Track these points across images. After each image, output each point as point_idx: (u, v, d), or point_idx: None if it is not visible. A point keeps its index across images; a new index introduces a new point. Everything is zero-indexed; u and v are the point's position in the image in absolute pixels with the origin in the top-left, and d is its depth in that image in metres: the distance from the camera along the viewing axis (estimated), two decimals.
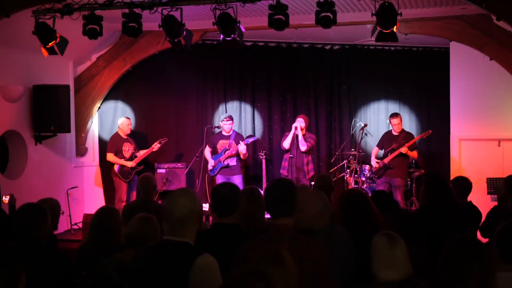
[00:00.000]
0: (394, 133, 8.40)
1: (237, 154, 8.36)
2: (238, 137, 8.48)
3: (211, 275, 2.65)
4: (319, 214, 3.50)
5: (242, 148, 8.24)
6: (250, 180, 9.39)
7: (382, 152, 8.60)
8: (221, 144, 8.48)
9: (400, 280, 2.69)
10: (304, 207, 3.44)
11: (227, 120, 8.46)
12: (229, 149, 8.34)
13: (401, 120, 8.38)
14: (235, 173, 8.41)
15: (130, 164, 8.48)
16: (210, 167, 8.48)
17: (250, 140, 8.42)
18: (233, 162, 8.41)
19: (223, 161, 8.38)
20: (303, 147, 8.25)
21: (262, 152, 8.67)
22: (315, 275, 2.93)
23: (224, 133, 8.53)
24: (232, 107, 9.77)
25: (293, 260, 2.50)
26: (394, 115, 8.49)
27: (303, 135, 8.31)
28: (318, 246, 3.01)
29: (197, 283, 2.61)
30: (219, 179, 8.37)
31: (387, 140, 8.47)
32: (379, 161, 8.36)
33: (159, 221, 3.56)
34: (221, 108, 9.74)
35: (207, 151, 8.63)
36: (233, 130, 8.62)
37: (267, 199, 3.24)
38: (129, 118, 8.72)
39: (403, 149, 8.10)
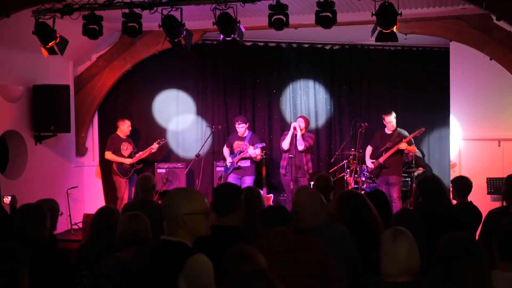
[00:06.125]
0: (388, 132, 8.35)
1: (250, 157, 8.55)
2: (253, 139, 8.66)
3: (202, 274, 2.60)
4: (314, 213, 3.50)
5: (251, 152, 8.43)
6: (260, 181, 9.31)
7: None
8: (236, 145, 8.68)
9: (407, 281, 2.68)
10: (299, 209, 3.47)
11: (238, 124, 8.64)
12: (243, 151, 8.52)
13: (395, 118, 8.31)
14: (247, 174, 8.58)
15: (128, 161, 8.51)
16: (228, 165, 8.68)
17: (259, 145, 8.53)
18: (246, 163, 8.59)
19: (236, 162, 8.54)
20: (300, 146, 8.32)
21: (262, 152, 8.69)
22: (323, 265, 3.06)
23: (239, 134, 8.66)
24: (232, 107, 9.76)
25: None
26: (388, 112, 8.37)
27: (302, 135, 8.35)
28: (318, 240, 3.11)
29: (188, 282, 2.58)
30: (231, 179, 8.55)
31: (380, 139, 8.42)
32: (374, 161, 8.35)
33: (160, 221, 3.56)
34: (221, 108, 9.74)
35: (226, 151, 8.83)
36: (249, 132, 8.82)
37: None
38: (129, 120, 8.75)
39: (402, 145, 8.08)
